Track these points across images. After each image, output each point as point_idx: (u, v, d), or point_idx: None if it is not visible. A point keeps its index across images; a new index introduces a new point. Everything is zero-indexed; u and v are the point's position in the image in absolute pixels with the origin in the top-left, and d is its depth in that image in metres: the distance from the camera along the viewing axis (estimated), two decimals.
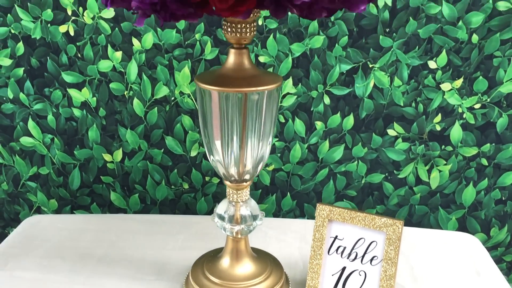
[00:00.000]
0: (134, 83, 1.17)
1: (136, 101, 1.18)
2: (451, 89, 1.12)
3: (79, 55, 1.15)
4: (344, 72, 1.13)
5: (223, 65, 0.68)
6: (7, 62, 1.16)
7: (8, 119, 1.21)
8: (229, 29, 0.64)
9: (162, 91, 1.17)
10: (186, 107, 1.18)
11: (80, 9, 1.11)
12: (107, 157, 1.23)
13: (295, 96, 1.16)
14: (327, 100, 1.15)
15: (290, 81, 1.14)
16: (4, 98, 1.19)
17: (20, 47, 1.15)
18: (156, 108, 1.18)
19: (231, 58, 0.67)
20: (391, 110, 1.15)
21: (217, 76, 0.67)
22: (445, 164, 1.19)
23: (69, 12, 1.12)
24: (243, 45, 0.66)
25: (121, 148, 1.22)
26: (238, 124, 0.66)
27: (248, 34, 0.64)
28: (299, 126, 1.18)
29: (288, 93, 1.16)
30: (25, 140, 1.23)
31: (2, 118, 1.21)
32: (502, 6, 1.05)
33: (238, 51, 0.66)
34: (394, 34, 1.09)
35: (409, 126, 1.16)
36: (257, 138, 0.68)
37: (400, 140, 1.17)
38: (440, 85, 1.12)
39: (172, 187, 1.25)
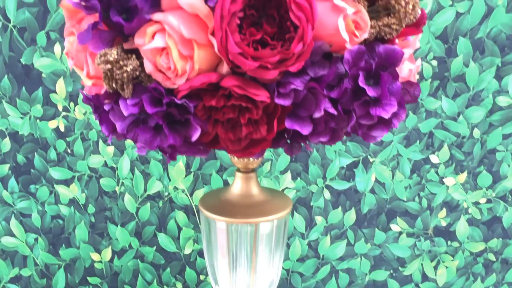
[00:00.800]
0: (126, 179, 1.12)
1: (127, 197, 1.13)
2: (455, 184, 1.09)
3: (68, 150, 1.11)
4: (344, 166, 1.10)
5: (230, 189, 0.64)
6: None
7: None
8: (235, 156, 0.60)
9: (155, 186, 1.12)
10: (180, 202, 1.13)
11: (72, 104, 1.08)
12: (95, 256, 1.16)
13: (294, 191, 1.11)
14: (327, 194, 1.11)
15: (288, 175, 1.10)
16: None
17: (6, 144, 1.10)
18: (148, 204, 1.13)
19: (238, 183, 0.63)
20: (394, 205, 1.11)
21: (223, 202, 0.62)
22: (452, 260, 1.14)
23: (60, 108, 1.08)
24: (251, 169, 0.62)
25: (110, 247, 1.16)
26: (247, 252, 0.61)
27: (256, 159, 0.61)
28: (298, 221, 1.13)
29: (286, 188, 1.11)
30: (7, 240, 1.15)
31: None
32: (502, 101, 1.04)
33: (245, 176, 0.63)
34: (394, 128, 1.07)
35: (413, 221, 1.12)
36: (267, 263, 0.63)
37: (404, 235, 1.13)
38: (444, 180, 1.09)
39: (165, 287, 1.18)
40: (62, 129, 1.09)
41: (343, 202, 1.12)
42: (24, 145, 1.11)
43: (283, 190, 1.12)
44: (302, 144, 0.52)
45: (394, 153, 1.08)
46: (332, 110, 0.48)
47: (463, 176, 1.08)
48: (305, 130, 0.49)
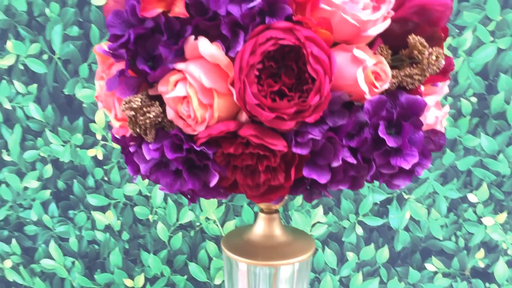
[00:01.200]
0: (159, 207, 1.14)
1: (160, 225, 1.14)
2: (494, 224, 1.05)
3: (105, 178, 1.14)
4: (378, 202, 1.08)
5: (252, 229, 0.64)
6: (34, 184, 1.15)
7: (31, 240, 1.19)
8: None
9: (187, 216, 1.13)
10: (211, 233, 1.14)
11: (109, 134, 1.11)
12: (128, 282, 1.18)
13: (326, 226, 1.10)
14: (359, 230, 1.10)
15: (320, 209, 1.09)
16: (28, 220, 1.18)
17: (48, 170, 1.14)
18: (180, 233, 1.14)
19: (261, 224, 0.63)
20: (429, 243, 1.08)
21: (245, 243, 0.63)
22: None
23: (99, 137, 1.12)
24: (273, 210, 0.63)
25: (143, 273, 1.17)
26: None
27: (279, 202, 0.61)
28: (330, 256, 1.12)
29: (318, 222, 1.10)
30: (46, 263, 1.19)
31: (24, 240, 1.19)
32: None
33: (268, 216, 0.63)
34: (431, 165, 1.04)
35: (449, 261, 1.08)
36: None
37: (439, 275, 1.09)
38: (482, 219, 1.05)
39: None
40: (100, 157, 1.13)
41: (375, 238, 1.10)
42: (65, 171, 1.14)
43: (314, 224, 1.11)
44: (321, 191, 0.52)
45: (430, 191, 1.06)
46: (351, 160, 0.48)
47: (502, 216, 1.04)
48: (323, 179, 0.49)
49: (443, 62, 0.48)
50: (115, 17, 0.51)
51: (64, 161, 1.13)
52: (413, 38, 0.49)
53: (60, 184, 1.15)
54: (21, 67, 1.12)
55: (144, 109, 0.49)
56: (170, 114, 0.49)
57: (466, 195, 1.04)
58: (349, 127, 0.47)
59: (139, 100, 0.49)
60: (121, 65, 0.53)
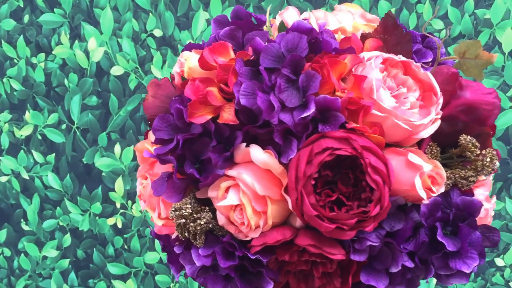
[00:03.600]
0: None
1: None
2: None
3: (125, 246, 1.11)
4: None
5: None
6: (54, 253, 1.13)
7: None
8: None
9: None
10: None
11: (129, 202, 1.09)
12: None
13: None
14: None
15: None
16: None
17: (67, 239, 1.12)
18: None
19: None
20: None
21: None
22: None
23: (118, 205, 1.10)
24: None
25: None
26: None
27: None
28: None
29: None
30: None
31: None
32: None
33: None
34: None
35: None
36: None
37: None
38: (510, 283, 1.03)
39: None
40: (119, 225, 1.10)
41: None
42: (84, 240, 1.12)
43: None
44: None
45: None
46: (410, 264, 0.46)
47: None
48: (381, 284, 0.47)
49: (497, 163, 0.47)
50: (161, 121, 0.50)
51: (83, 229, 1.11)
52: (465, 139, 0.48)
53: (80, 253, 1.12)
54: (39, 137, 1.11)
55: (195, 215, 0.48)
56: (221, 220, 0.48)
57: (493, 259, 1.03)
58: (407, 233, 0.46)
59: (190, 206, 0.48)
60: (165, 166, 0.51)
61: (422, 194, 0.45)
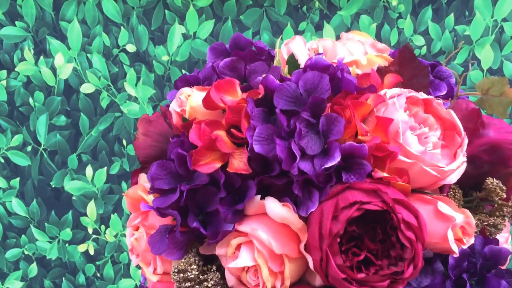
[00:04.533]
0: None
1: None
2: None
3: (98, 274, 1.03)
4: None
5: None
6: (18, 285, 1.03)
7: None
8: None
9: None
10: None
11: (102, 227, 1.01)
12: None
13: None
14: None
15: None
16: None
17: (33, 269, 1.03)
18: None
19: None
20: None
21: None
22: None
23: (90, 231, 1.02)
24: None
25: None
26: None
27: None
28: None
29: None
30: None
31: None
32: None
33: None
34: None
35: None
36: None
37: None
38: None
39: None
40: (91, 252, 1.02)
41: None
42: (52, 270, 1.03)
43: None
44: None
45: None
46: None
47: None
48: None
49: None
50: (160, 168, 0.43)
51: (51, 258, 1.02)
52: (492, 183, 0.44)
53: (47, 283, 1.03)
54: (2, 160, 1.01)
55: (201, 276, 0.42)
56: (231, 281, 0.42)
57: None
58: None
59: (195, 267, 0.42)
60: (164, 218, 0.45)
61: (455, 248, 0.41)
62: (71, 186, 1.01)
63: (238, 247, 0.41)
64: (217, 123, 0.42)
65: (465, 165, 0.44)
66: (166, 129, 0.50)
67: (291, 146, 0.40)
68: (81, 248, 1.02)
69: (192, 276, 0.41)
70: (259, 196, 0.41)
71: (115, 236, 1.02)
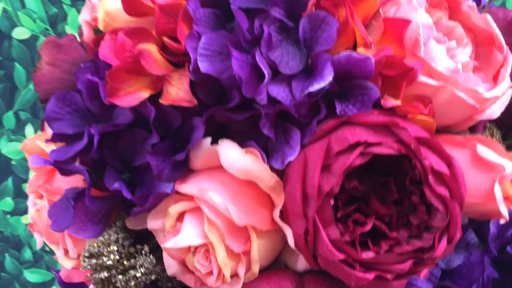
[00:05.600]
0: None
1: None
2: None
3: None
4: None
5: None
6: None
7: None
8: None
9: None
10: None
11: None
12: None
13: None
14: None
15: None
16: None
17: None
18: None
19: None
20: None
21: None
22: None
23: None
24: None
25: None
26: None
27: None
28: None
29: None
30: None
31: None
32: None
33: None
34: None
35: None
36: None
37: None
38: None
39: None
40: None
41: None
42: None
43: None
44: None
45: None
46: None
47: None
48: None
49: None
50: (60, 103, 0.28)
51: None
52: None
53: None
54: None
55: (125, 262, 0.27)
56: (172, 267, 0.27)
57: None
58: (473, 272, 0.28)
59: (116, 249, 0.27)
60: (72, 179, 0.30)
61: (504, 210, 0.27)
62: (9, 149, 0.85)
63: (180, 217, 0.27)
64: (143, 32, 0.27)
65: (510, 92, 0.29)
66: (83, 55, 0.35)
67: (255, 61, 0.25)
68: (26, 219, 0.88)
69: (111, 262, 0.26)
70: (209, 140, 0.26)
71: None
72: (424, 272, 0.25)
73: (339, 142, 0.24)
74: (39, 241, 0.32)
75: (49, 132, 0.32)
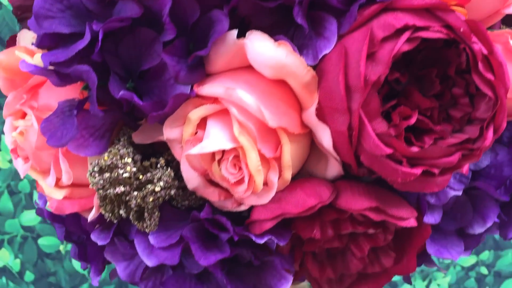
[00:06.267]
0: None
1: None
2: None
3: None
4: None
5: None
6: None
7: None
8: None
9: None
10: None
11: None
12: None
13: None
14: None
15: None
16: None
17: None
18: None
19: None
20: None
21: None
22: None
23: None
24: None
25: None
26: None
27: None
28: None
29: None
30: None
31: None
32: None
33: None
34: None
35: None
36: None
37: None
38: None
39: None
40: None
41: None
42: None
43: None
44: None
45: None
46: (503, 217, 0.28)
47: None
48: (455, 253, 0.28)
49: None
50: None
51: None
52: None
53: None
54: None
55: (141, 177, 0.24)
56: (193, 181, 0.24)
57: None
58: (502, 171, 0.27)
59: (130, 162, 0.23)
60: (65, 90, 0.25)
61: None
62: None
63: (202, 123, 0.23)
64: None
65: None
66: None
67: None
68: None
69: (127, 174, 0.23)
70: (235, 33, 0.23)
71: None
72: (466, 167, 0.24)
73: (383, 28, 0.22)
74: (23, 168, 0.27)
75: (28, 38, 0.27)
